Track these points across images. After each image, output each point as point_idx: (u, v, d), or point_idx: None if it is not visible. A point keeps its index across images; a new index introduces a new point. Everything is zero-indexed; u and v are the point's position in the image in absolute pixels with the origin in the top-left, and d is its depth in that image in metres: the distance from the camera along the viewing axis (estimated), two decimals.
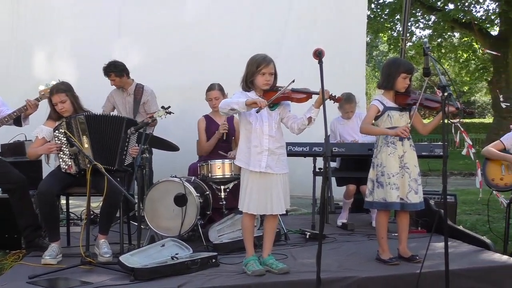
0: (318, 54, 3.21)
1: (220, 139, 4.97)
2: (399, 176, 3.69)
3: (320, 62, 3.18)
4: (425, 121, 4.14)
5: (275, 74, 3.51)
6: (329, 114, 5.41)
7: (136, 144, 4.19)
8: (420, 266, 3.24)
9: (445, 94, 3.06)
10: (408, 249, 3.81)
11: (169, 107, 4.36)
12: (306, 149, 4.99)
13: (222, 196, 4.62)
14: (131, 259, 3.48)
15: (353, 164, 5.31)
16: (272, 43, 6.45)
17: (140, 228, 4.00)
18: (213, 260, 3.65)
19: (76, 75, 6.09)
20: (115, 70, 5.58)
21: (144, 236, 4.28)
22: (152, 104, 5.69)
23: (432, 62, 3.34)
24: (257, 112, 3.32)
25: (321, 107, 3.21)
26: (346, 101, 5.29)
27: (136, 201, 4.16)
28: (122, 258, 3.44)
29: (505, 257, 3.69)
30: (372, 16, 21.20)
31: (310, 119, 3.49)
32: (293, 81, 3.42)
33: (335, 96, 3.58)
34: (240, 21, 6.70)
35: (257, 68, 3.43)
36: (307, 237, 4.48)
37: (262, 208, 3.48)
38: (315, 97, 3.48)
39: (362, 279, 3.27)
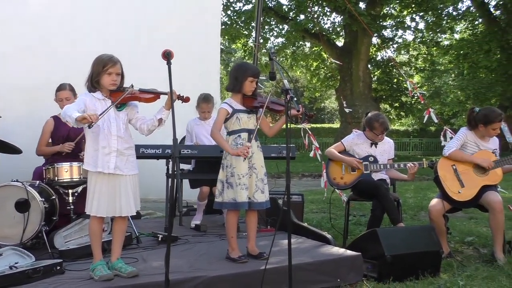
0: (167, 55, 3.22)
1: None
2: (247, 176, 3.81)
3: (169, 63, 3.19)
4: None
5: (122, 75, 3.46)
6: (187, 115, 5.54)
7: None
8: (267, 262, 3.37)
9: (288, 97, 3.23)
10: (257, 247, 3.93)
11: None
12: (159, 151, 4.94)
13: (70, 201, 4.44)
14: None
15: (207, 166, 5.37)
16: (126, 41, 6.30)
17: None
18: (58, 268, 3.45)
19: None
20: None
21: None
22: None
23: (277, 67, 3.51)
24: (89, 127, 3.21)
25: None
26: (203, 100, 5.36)
27: None
28: None
29: (342, 250, 3.99)
30: (229, 22, 21.71)
31: (160, 120, 3.49)
32: (132, 86, 3.41)
33: (183, 96, 3.61)
34: (93, 18, 6.41)
35: (103, 68, 3.36)
36: (159, 239, 4.43)
37: (111, 210, 3.40)
38: (164, 97, 3.49)
39: (210, 278, 3.32)
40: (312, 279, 3.58)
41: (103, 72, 3.36)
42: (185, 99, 3.63)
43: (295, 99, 3.34)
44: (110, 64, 3.36)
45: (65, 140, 4.88)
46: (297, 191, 6.97)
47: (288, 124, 3.34)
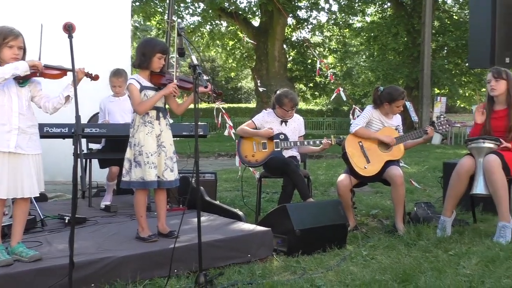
0: (68, 28, 3.06)
1: None
2: (156, 155, 3.75)
3: (70, 37, 3.04)
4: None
5: (24, 49, 3.28)
6: (99, 92, 5.36)
7: None
8: (175, 241, 3.36)
9: (196, 73, 3.20)
10: (168, 225, 3.90)
11: None
12: (65, 130, 4.73)
13: None
14: None
15: (117, 145, 5.22)
16: (29, 14, 5.97)
17: None
18: None
19: None
20: None
21: None
22: None
23: (185, 43, 3.45)
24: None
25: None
26: (114, 75, 5.25)
27: None
28: None
29: (252, 226, 4.04)
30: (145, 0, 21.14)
31: (67, 98, 3.35)
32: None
33: (91, 74, 3.48)
34: None
35: (4, 40, 3.18)
36: (66, 221, 4.27)
37: (12, 191, 3.22)
38: (71, 74, 3.33)
39: (119, 259, 3.24)
40: (222, 256, 3.61)
41: (3, 45, 3.17)
42: (94, 77, 3.50)
43: (204, 76, 3.31)
44: (12, 37, 3.18)
45: None
46: (212, 170, 6.97)
47: (197, 102, 3.30)
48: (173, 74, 3.79)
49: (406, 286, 3.15)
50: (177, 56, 3.61)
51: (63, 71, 3.40)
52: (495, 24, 5.74)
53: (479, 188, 4.34)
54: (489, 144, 4.36)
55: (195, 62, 3.27)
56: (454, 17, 24.32)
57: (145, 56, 3.72)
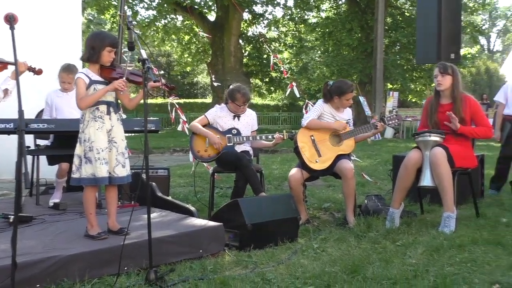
0: (10, 19, 2.96)
1: None
2: (107, 150, 3.68)
3: (12, 28, 2.94)
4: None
5: None
6: (47, 86, 5.21)
7: None
8: (125, 237, 3.31)
9: (145, 67, 3.15)
10: (119, 222, 3.84)
11: None
12: (10, 125, 4.57)
13: None
14: None
15: (66, 141, 5.09)
16: None
17: None
18: None
19: None
20: None
21: None
22: None
23: (135, 36, 3.40)
24: None
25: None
26: (64, 70, 5.15)
27: None
28: None
29: (204, 221, 4.03)
30: None
31: (6, 91, 3.24)
32: None
33: (35, 68, 3.37)
34: None
35: None
36: (11, 221, 4.14)
37: None
38: (12, 67, 3.23)
39: (66, 257, 3.15)
40: (174, 251, 3.58)
41: None
42: (37, 72, 3.39)
43: (156, 70, 3.27)
44: None
45: None
46: (166, 165, 6.90)
47: (146, 97, 3.26)
48: (125, 68, 3.73)
49: (354, 277, 3.21)
50: (128, 49, 3.55)
51: (3, 64, 3.29)
52: (441, 21, 5.91)
53: (426, 180, 4.47)
54: (435, 138, 4.49)
55: (144, 56, 3.22)
56: (406, 14, 24.85)
57: (95, 50, 3.64)
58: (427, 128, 4.71)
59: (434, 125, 4.70)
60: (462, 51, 25.01)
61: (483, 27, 38.00)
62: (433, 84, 4.85)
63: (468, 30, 24.35)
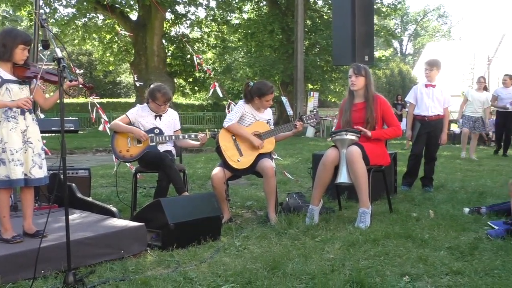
0: None
1: None
2: (22, 151, 3.57)
3: None
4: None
5: None
6: None
7: None
8: (41, 240, 3.22)
9: (61, 66, 3.09)
10: (36, 225, 3.73)
11: None
12: None
13: None
14: None
15: None
16: None
17: None
18: None
19: None
20: None
21: None
22: None
23: (48, 34, 3.31)
24: None
25: None
26: None
27: None
28: None
29: (126, 222, 3.98)
30: None
31: None
32: None
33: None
34: None
35: None
36: None
37: None
38: None
39: None
40: (94, 253, 3.52)
41: None
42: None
43: (73, 69, 3.21)
44: None
45: None
46: (88, 165, 6.74)
47: (62, 96, 3.19)
48: (40, 67, 3.62)
49: (275, 273, 3.30)
50: (42, 48, 3.45)
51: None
52: (355, 24, 6.19)
53: (343, 177, 4.66)
54: (351, 136, 4.70)
55: (60, 55, 3.15)
56: (325, 17, 25.62)
57: (6, 48, 3.51)
58: (343, 127, 4.91)
59: (347, 123, 4.91)
60: (377, 54, 26.22)
61: (396, 31, 39.97)
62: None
63: (382, 33, 25.56)
